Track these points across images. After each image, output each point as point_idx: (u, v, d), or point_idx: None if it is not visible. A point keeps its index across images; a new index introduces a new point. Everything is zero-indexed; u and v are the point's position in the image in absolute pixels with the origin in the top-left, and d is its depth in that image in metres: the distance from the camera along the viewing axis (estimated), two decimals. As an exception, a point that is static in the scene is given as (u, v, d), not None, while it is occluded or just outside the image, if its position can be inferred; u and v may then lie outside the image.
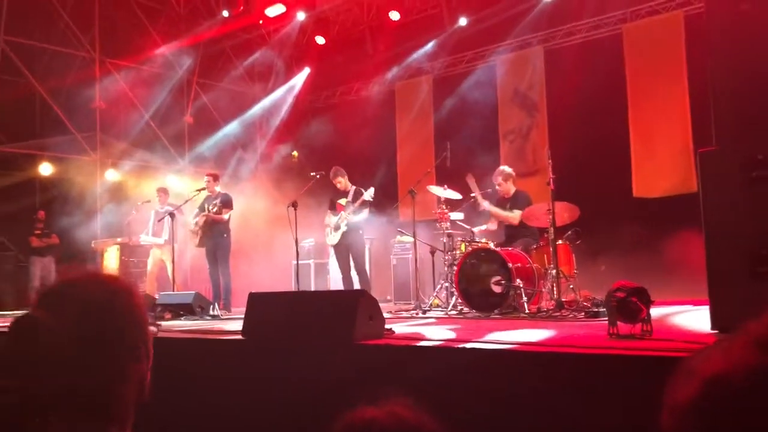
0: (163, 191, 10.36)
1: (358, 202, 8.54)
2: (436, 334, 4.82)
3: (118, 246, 9.77)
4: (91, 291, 1.28)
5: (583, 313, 5.69)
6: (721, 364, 0.78)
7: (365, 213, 8.70)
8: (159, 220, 9.71)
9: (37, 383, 1.20)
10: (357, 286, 8.61)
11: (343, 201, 8.79)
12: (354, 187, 8.83)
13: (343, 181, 8.89)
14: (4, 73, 11.54)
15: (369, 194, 8.51)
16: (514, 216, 7.43)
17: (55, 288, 1.30)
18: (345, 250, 8.74)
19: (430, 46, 12.39)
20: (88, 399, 1.22)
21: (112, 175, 12.43)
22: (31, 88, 11.71)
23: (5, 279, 11.21)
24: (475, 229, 7.62)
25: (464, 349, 3.77)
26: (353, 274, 8.78)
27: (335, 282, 11.05)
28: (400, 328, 4.92)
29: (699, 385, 0.79)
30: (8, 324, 1.27)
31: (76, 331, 1.22)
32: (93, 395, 1.23)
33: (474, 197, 7.77)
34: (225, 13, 12.87)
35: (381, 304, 4.46)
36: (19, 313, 1.29)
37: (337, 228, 8.69)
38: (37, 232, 11.38)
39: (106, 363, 1.25)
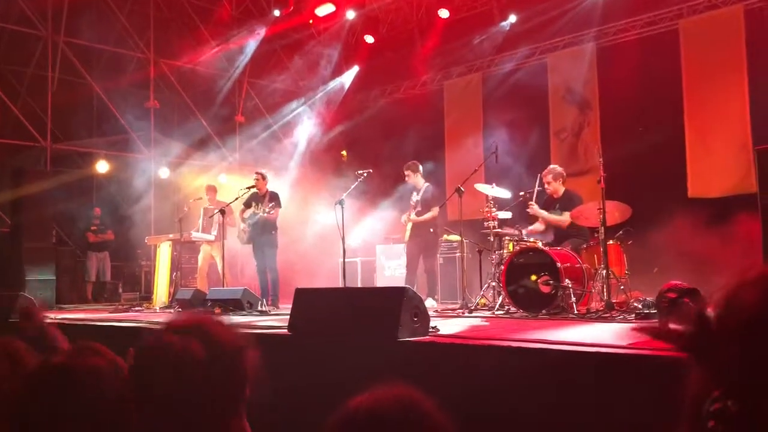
0: (211, 189, 10.53)
1: (415, 200, 8.57)
2: (481, 333, 4.78)
3: (170, 242, 9.96)
4: (222, 334, 1.29)
5: (633, 315, 5.56)
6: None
7: (432, 212, 8.55)
8: (210, 217, 9.88)
9: (154, 408, 1.21)
10: (423, 286, 8.68)
11: (413, 198, 8.77)
12: (426, 185, 8.75)
13: (412, 177, 8.81)
14: (63, 74, 11.92)
15: (420, 194, 8.53)
16: (564, 219, 7.29)
17: (196, 321, 1.31)
18: (414, 248, 8.69)
19: (479, 43, 12.29)
20: None
21: (165, 173, 12.71)
22: (89, 88, 12.07)
23: (63, 273, 11.57)
24: (524, 231, 7.52)
25: (510, 348, 3.73)
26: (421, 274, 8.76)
27: (382, 280, 11.06)
28: (445, 327, 4.88)
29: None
30: (141, 345, 1.29)
31: (213, 365, 1.22)
32: None
33: (523, 196, 7.67)
34: (276, 13, 13.01)
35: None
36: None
37: (404, 225, 8.72)
38: (94, 228, 11.73)
39: (222, 407, 1.24)
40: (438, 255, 9.12)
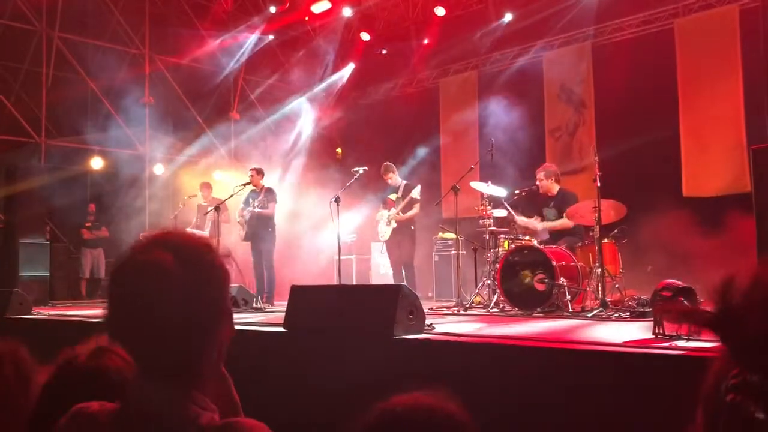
0: (206, 186, 10.51)
1: (407, 199, 8.57)
2: (476, 330, 4.79)
3: (165, 239, 9.92)
4: (195, 241, 1.26)
5: (628, 313, 5.57)
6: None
7: (415, 209, 8.70)
8: (204, 214, 9.86)
9: (145, 324, 1.17)
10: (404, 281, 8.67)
11: (393, 196, 8.84)
12: (404, 182, 8.91)
13: (393, 177, 8.99)
14: (58, 70, 11.86)
15: (416, 192, 8.54)
16: (566, 222, 7.24)
17: (161, 235, 1.27)
18: (396, 246, 8.78)
19: (475, 41, 12.28)
20: (179, 357, 1.19)
21: (160, 170, 12.68)
22: (83, 85, 12.02)
23: (57, 269, 11.52)
24: (517, 217, 7.47)
25: (504, 346, 3.73)
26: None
27: (377, 278, 11.07)
28: (440, 324, 4.89)
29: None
30: (121, 259, 1.25)
31: (186, 272, 1.19)
32: (185, 352, 1.19)
33: (519, 194, 7.66)
34: (272, 9, 12.98)
35: (422, 301, 4.44)
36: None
37: (388, 224, 8.76)
38: (88, 224, 11.68)
39: (205, 314, 1.21)
40: (415, 250, 9.09)
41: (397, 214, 8.66)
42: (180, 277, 1.19)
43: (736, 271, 0.84)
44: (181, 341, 1.19)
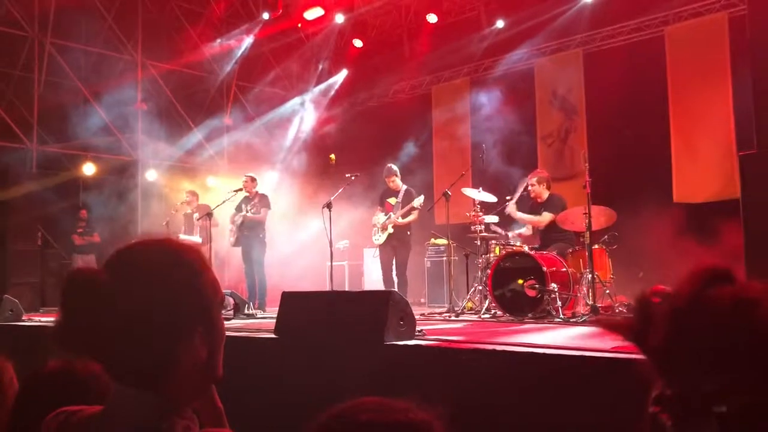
0: (191, 193, 10.51)
1: (407, 207, 8.50)
2: (467, 336, 4.81)
3: (156, 245, 9.90)
4: (155, 257, 1.25)
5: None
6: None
7: (413, 215, 8.57)
8: (198, 219, 9.86)
9: (101, 332, 1.15)
10: (395, 287, 8.61)
11: (392, 200, 8.72)
12: (405, 188, 8.77)
13: (395, 181, 8.83)
14: (50, 75, 11.85)
15: (418, 202, 8.42)
16: (542, 219, 7.34)
17: (121, 251, 1.27)
18: (390, 251, 8.65)
19: (467, 48, 12.33)
20: (145, 365, 1.17)
21: (152, 175, 12.66)
22: (76, 90, 12.00)
23: (49, 276, 11.48)
24: (510, 234, 7.56)
25: (495, 351, 3.75)
26: (395, 276, 8.70)
27: (369, 284, 11.06)
28: (432, 330, 4.90)
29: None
30: (66, 276, 1.23)
31: (131, 293, 1.17)
32: (152, 363, 1.17)
33: (509, 200, 7.71)
34: (265, 16, 13.00)
35: (414, 307, 4.46)
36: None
37: (384, 228, 8.61)
38: (80, 230, 11.64)
39: (161, 331, 1.18)
40: (410, 254, 9.04)
41: (397, 219, 8.55)
42: (129, 296, 1.17)
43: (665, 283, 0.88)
44: (145, 349, 1.16)
